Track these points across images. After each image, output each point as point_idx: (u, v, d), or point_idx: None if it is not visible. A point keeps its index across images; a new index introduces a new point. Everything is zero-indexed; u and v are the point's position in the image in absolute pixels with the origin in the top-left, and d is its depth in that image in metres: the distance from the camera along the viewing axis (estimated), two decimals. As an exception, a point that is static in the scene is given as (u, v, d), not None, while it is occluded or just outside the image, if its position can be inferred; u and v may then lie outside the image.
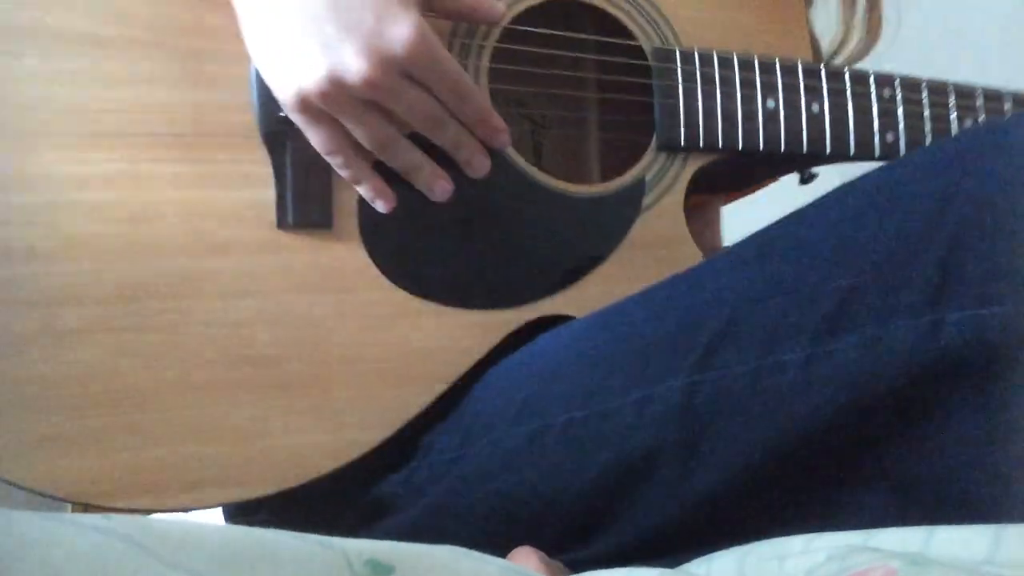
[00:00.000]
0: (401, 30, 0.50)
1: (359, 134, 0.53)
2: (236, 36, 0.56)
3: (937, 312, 0.44)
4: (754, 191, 0.79)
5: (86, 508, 0.55)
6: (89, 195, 0.53)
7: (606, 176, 0.71)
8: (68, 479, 0.51)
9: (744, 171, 0.72)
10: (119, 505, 0.51)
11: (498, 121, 0.57)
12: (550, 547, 0.54)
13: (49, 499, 0.57)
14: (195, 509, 0.53)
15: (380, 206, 0.56)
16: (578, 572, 0.52)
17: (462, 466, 0.57)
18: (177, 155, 0.54)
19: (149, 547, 0.26)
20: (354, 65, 0.50)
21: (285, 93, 0.52)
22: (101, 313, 0.52)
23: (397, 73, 0.51)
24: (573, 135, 0.73)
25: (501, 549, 0.52)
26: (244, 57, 0.56)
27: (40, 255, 0.52)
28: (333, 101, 0.51)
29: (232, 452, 0.54)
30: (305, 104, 0.51)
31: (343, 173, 0.55)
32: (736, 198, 0.80)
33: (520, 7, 0.62)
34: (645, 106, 0.65)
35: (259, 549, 0.29)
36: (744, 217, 0.77)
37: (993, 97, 0.73)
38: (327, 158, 0.54)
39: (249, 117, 0.56)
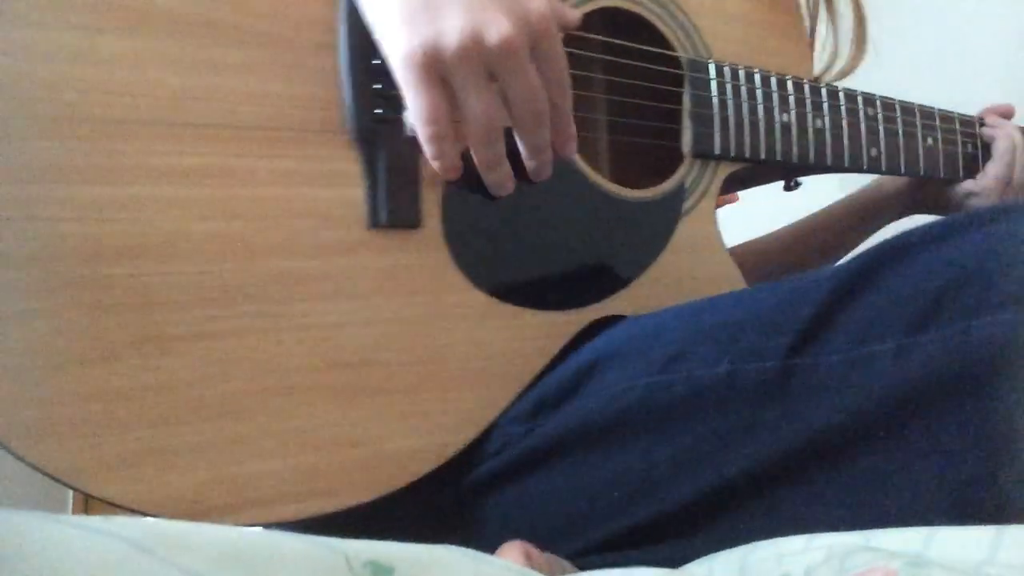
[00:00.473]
0: (537, 2, 0.51)
1: (472, 104, 0.51)
2: (324, 25, 0.54)
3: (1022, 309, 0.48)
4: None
5: (86, 509, 0.51)
6: (182, 190, 0.49)
7: (615, 178, 0.74)
8: (163, 496, 0.47)
9: (749, 177, 0.77)
10: (223, 522, 0.48)
11: (573, 128, 0.58)
12: (606, 517, 0.56)
13: (50, 500, 0.53)
14: (296, 520, 0.51)
15: (449, 176, 0.55)
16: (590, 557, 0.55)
17: (531, 439, 0.58)
18: (267, 150, 0.51)
19: (150, 548, 0.26)
20: (497, 23, 0.49)
21: (412, 45, 0.49)
22: (197, 318, 0.49)
23: (529, 42, 0.51)
24: (589, 138, 0.75)
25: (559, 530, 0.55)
26: (332, 48, 0.54)
27: (134, 255, 0.47)
28: (467, 59, 0.50)
29: (332, 461, 0.52)
30: (433, 61, 0.50)
31: (430, 147, 0.53)
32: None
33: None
34: (655, 111, 0.68)
35: (260, 550, 0.29)
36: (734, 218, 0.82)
37: (946, 118, 0.82)
38: (422, 127, 0.52)
39: (338, 112, 0.54)
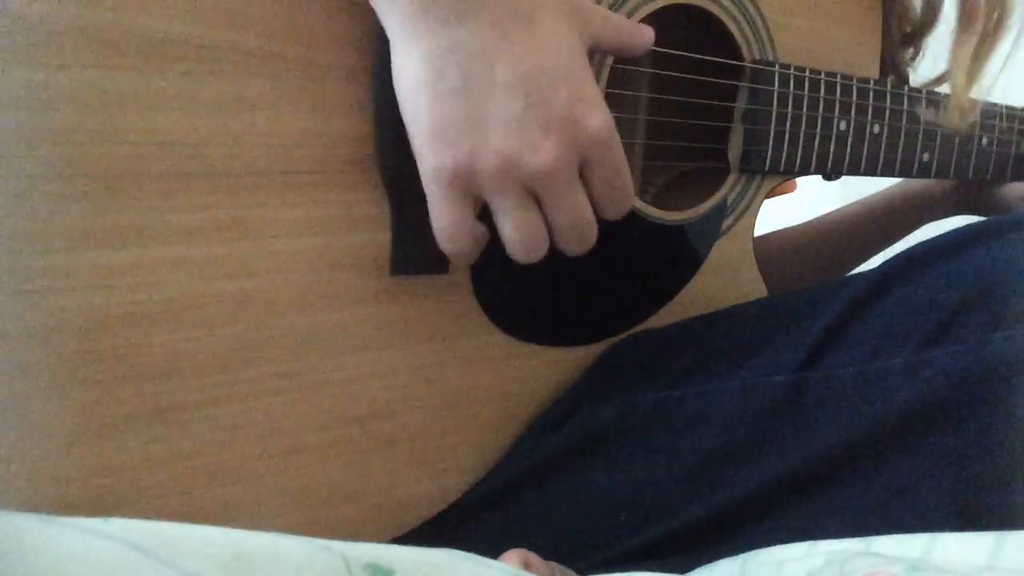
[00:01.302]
0: (594, 120, 0.44)
1: (506, 227, 0.46)
2: (352, 46, 0.47)
3: None
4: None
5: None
6: (190, 249, 0.44)
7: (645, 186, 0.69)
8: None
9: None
10: None
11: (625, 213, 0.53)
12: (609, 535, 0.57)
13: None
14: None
15: None
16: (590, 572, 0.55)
17: (536, 454, 0.57)
18: (284, 197, 0.46)
19: (150, 550, 0.26)
20: (539, 151, 0.44)
21: (441, 161, 0.44)
22: (206, 385, 0.46)
23: (576, 163, 0.45)
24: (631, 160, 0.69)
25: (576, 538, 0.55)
26: (361, 73, 0.47)
27: (141, 323, 0.43)
28: (502, 184, 0.44)
29: (338, 514, 0.51)
30: (463, 182, 0.44)
31: (449, 249, 0.47)
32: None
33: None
34: (704, 125, 0.63)
35: (260, 552, 0.29)
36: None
37: (1009, 116, 0.76)
38: (440, 240, 0.46)
39: (365, 150, 0.48)
